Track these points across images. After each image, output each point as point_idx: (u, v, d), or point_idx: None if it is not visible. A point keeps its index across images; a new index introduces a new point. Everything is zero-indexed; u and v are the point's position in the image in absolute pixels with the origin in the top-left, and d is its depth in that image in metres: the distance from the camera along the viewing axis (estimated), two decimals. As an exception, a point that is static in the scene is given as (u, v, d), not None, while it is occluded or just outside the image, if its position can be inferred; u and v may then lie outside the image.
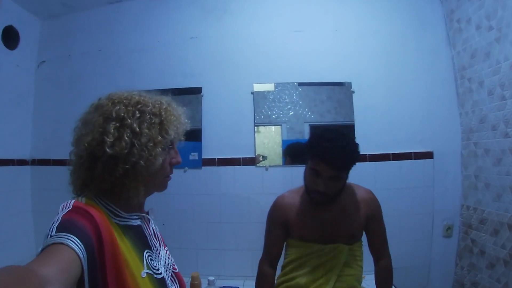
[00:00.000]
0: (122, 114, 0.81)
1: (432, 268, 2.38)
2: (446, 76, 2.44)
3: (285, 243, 1.71)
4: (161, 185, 0.92)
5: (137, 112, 0.82)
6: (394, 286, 2.08)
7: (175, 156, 0.93)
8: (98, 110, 0.84)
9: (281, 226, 1.66)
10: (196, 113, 2.48)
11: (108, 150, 0.77)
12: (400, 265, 2.26)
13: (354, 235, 1.64)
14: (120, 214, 0.83)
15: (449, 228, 2.36)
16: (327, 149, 1.40)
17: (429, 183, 2.40)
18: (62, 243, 0.63)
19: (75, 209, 0.73)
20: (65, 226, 0.66)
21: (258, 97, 2.48)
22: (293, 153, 2.45)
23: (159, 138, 0.83)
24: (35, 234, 2.61)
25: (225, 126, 2.47)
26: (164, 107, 0.88)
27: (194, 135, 2.45)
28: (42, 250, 0.63)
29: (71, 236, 0.64)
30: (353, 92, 2.45)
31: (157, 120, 0.84)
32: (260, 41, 2.51)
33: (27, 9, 2.62)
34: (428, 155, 2.41)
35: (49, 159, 2.63)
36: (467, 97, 2.32)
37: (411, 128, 2.43)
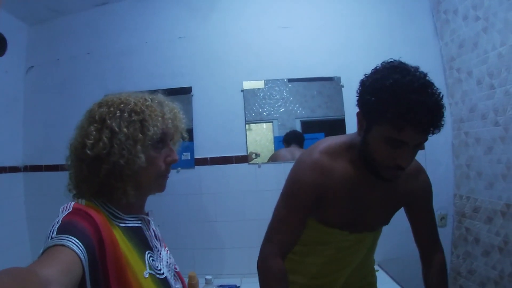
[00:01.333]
0: (104, 116, 0.81)
1: (428, 258, 2.39)
2: (435, 67, 2.45)
3: None
4: (158, 185, 0.90)
5: (118, 111, 0.82)
6: (391, 277, 2.10)
7: (170, 154, 0.90)
8: (86, 114, 0.85)
9: (313, 203, 1.13)
10: (186, 113, 2.41)
11: (88, 152, 0.78)
12: (396, 256, 2.29)
13: (389, 220, 1.28)
14: (120, 216, 0.83)
15: (443, 218, 2.38)
16: (419, 109, 0.90)
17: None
18: (63, 245, 0.63)
19: (76, 211, 0.73)
20: (65, 228, 0.67)
21: (248, 94, 2.49)
22: (292, 138, 2.49)
23: (140, 136, 0.81)
24: (30, 241, 2.59)
25: (216, 125, 2.48)
26: (147, 103, 0.86)
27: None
28: (43, 252, 0.63)
29: (72, 237, 0.64)
30: (343, 86, 2.47)
31: (137, 117, 0.82)
32: (248, 38, 2.52)
33: (14, 15, 2.60)
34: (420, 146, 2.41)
35: (41, 165, 2.61)
36: (456, 88, 2.33)
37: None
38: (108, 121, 0.80)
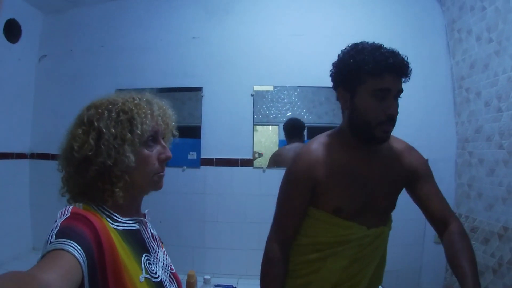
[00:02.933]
0: (92, 118, 0.81)
1: (422, 272, 2.43)
2: (444, 84, 2.47)
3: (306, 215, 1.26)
4: (154, 183, 0.89)
5: (106, 112, 0.81)
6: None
7: (163, 151, 0.89)
8: (76, 118, 0.86)
9: (308, 191, 1.19)
10: (195, 110, 2.50)
11: (76, 154, 0.78)
12: (392, 268, 2.30)
13: (394, 203, 1.29)
14: (118, 219, 0.83)
15: (441, 235, 2.40)
16: (392, 57, 1.07)
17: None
18: (62, 249, 0.63)
19: (74, 215, 0.73)
20: (64, 233, 0.67)
21: (257, 96, 2.52)
22: (291, 127, 2.52)
23: (128, 135, 0.81)
24: (32, 227, 2.62)
25: (224, 127, 2.50)
26: (135, 102, 0.85)
27: (194, 132, 2.47)
28: (42, 256, 0.64)
29: (71, 242, 0.65)
30: None
31: (125, 116, 0.82)
32: (260, 44, 2.54)
33: (30, 2, 2.61)
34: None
35: (48, 154, 2.64)
36: (464, 107, 2.35)
37: (407, 134, 2.39)
38: (96, 123, 0.80)
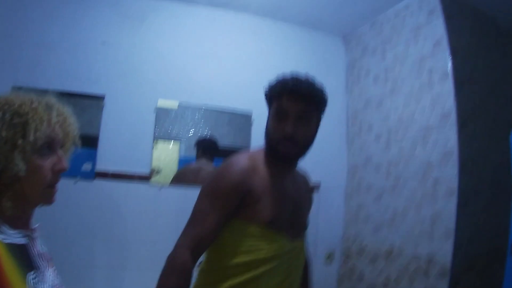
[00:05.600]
0: None
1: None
2: (340, 117, 2.73)
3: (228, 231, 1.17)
4: (45, 197, 0.81)
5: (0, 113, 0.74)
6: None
7: (58, 162, 0.81)
8: None
9: (235, 200, 1.12)
10: (95, 118, 2.28)
11: None
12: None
13: (307, 221, 1.35)
14: (4, 231, 0.74)
15: (330, 255, 2.55)
16: (291, 80, 1.17)
17: (314, 213, 2.56)
18: None
19: None
20: None
21: (161, 111, 2.42)
22: (207, 145, 2.48)
23: (20, 141, 0.72)
24: None
25: (123, 139, 2.32)
26: (32, 106, 0.77)
27: (90, 142, 2.24)
28: None
29: None
30: (253, 121, 2.56)
31: (19, 120, 0.74)
32: (171, 58, 2.47)
33: None
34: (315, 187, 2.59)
35: None
36: (356, 138, 2.61)
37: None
38: None
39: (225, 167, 1.18)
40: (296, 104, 1.15)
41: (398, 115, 2.23)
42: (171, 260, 1.04)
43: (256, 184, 1.15)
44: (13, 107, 0.75)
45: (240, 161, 1.18)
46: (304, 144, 1.20)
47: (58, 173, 0.81)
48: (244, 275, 1.10)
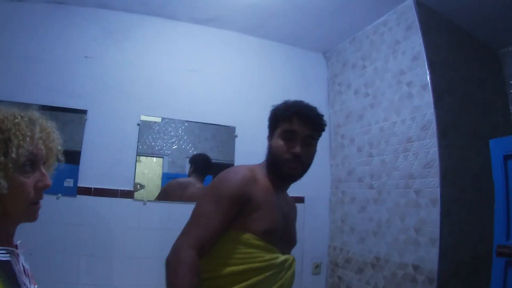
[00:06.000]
0: None
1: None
2: (322, 131, 2.77)
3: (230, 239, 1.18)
4: (28, 214, 0.79)
5: None
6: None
7: (41, 179, 0.79)
8: None
9: (238, 204, 1.15)
10: (77, 133, 2.24)
11: None
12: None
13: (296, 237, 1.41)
14: None
15: (317, 266, 2.57)
16: (301, 106, 1.27)
17: (299, 225, 2.57)
18: None
19: None
20: None
21: (144, 126, 2.41)
22: (199, 162, 2.50)
23: (1, 158, 0.71)
24: None
25: (106, 154, 2.29)
26: (15, 121, 0.76)
27: (72, 158, 2.19)
28: None
29: None
30: (236, 136, 2.58)
31: (1, 136, 0.72)
32: (154, 73, 2.48)
33: None
34: (300, 200, 2.61)
35: None
36: (338, 151, 2.67)
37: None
38: None
39: (228, 174, 1.22)
40: (305, 127, 1.24)
41: (379, 128, 2.30)
42: (178, 258, 1.03)
43: (256, 194, 1.19)
44: None
45: (242, 170, 1.24)
46: (307, 164, 1.28)
47: (41, 190, 0.79)
48: (238, 284, 1.10)
